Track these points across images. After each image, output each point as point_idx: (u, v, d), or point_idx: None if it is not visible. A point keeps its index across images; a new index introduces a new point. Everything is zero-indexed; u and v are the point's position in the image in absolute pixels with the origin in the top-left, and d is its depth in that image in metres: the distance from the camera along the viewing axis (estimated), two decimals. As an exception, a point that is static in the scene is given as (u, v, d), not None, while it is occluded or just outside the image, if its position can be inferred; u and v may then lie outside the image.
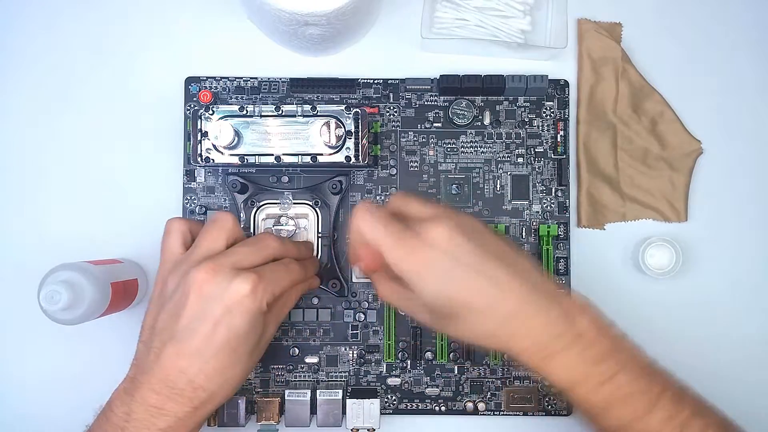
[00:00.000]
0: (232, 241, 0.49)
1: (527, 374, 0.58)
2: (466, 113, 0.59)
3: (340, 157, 0.54)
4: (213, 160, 0.54)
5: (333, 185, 0.57)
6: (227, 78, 0.59)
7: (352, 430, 0.55)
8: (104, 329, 0.57)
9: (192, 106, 0.59)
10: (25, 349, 0.58)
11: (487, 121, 0.59)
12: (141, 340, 0.48)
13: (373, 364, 0.58)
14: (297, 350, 0.58)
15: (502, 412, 0.57)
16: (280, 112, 0.54)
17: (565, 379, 0.44)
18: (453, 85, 0.57)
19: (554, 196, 0.58)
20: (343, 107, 0.54)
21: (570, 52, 0.60)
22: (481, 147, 0.59)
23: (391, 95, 0.59)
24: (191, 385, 0.44)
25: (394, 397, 0.58)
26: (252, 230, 0.57)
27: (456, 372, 0.58)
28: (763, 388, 0.58)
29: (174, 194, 0.59)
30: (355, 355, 0.58)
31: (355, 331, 0.58)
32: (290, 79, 0.59)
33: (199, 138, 0.54)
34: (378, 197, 0.59)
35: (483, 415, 0.57)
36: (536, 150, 0.59)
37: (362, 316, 0.58)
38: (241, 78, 0.59)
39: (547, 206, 0.58)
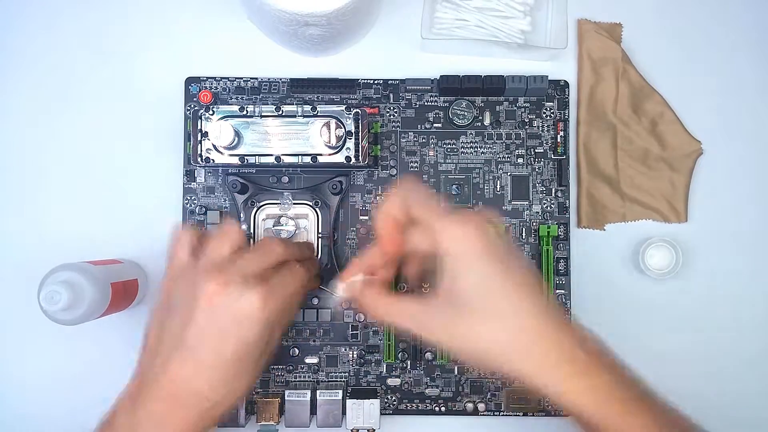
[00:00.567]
0: (237, 250, 0.48)
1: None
2: (466, 114, 0.59)
3: (340, 158, 0.54)
4: (213, 160, 0.54)
5: (333, 185, 0.57)
6: (227, 78, 0.59)
7: (352, 430, 0.55)
8: (104, 329, 0.57)
9: (192, 106, 0.59)
10: (25, 349, 0.58)
11: (487, 122, 0.59)
12: (146, 347, 0.47)
13: (373, 364, 0.58)
14: (297, 350, 0.58)
15: (502, 413, 0.57)
16: (280, 112, 0.54)
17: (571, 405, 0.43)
18: (453, 86, 0.57)
19: (554, 196, 0.58)
20: (343, 107, 0.54)
21: (570, 52, 0.60)
22: (481, 147, 0.59)
23: (391, 95, 0.59)
24: (197, 396, 0.44)
25: (394, 398, 0.58)
26: (252, 230, 0.57)
27: (456, 372, 0.58)
28: (764, 388, 0.58)
29: (174, 194, 0.59)
30: (355, 356, 0.58)
31: (355, 332, 0.58)
32: (290, 79, 0.59)
33: (199, 138, 0.54)
34: (378, 197, 0.59)
35: (483, 415, 0.57)
36: (536, 150, 0.59)
37: (362, 316, 0.58)
38: (241, 78, 0.59)
39: (547, 207, 0.58)
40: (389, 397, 0.58)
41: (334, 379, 0.58)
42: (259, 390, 0.57)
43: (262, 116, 0.54)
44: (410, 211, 0.46)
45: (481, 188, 0.59)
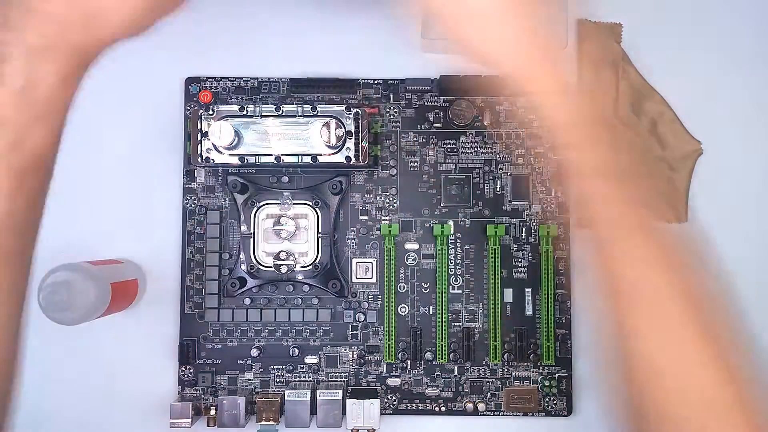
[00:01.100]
0: None
1: (527, 374, 0.58)
2: (466, 113, 0.59)
3: (340, 158, 0.54)
4: (213, 160, 0.54)
5: (333, 185, 0.57)
6: (227, 78, 0.59)
7: (352, 430, 0.55)
8: (104, 329, 0.57)
9: (192, 106, 0.59)
10: (25, 349, 0.58)
11: (487, 122, 0.59)
12: None
13: (373, 364, 0.58)
14: (297, 350, 0.58)
15: (502, 413, 0.57)
16: (280, 112, 0.54)
17: None
18: (453, 86, 0.57)
19: (554, 196, 0.59)
20: (343, 107, 0.54)
21: (570, 52, 0.60)
22: (481, 147, 0.59)
23: (391, 95, 0.59)
24: None
25: (394, 398, 0.58)
26: (252, 230, 0.57)
27: (456, 372, 0.58)
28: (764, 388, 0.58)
29: (174, 194, 0.59)
30: (355, 356, 0.58)
31: (355, 332, 0.58)
32: (290, 79, 0.59)
33: (199, 138, 0.54)
34: (378, 197, 0.59)
35: (483, 415, 0.57)
36: (536, 150, 0.59)
37: (362, 316, 0.58)
38: (241, 78, 0.59)
39: (547, 206, 0.58)
40: (389, 397, 0.58)
41: (334, 379, 0.58)
42: (259, 390, 0.57)
43: (262, 116, 0.54)
44: None
45: (481, 188, 0.59)
